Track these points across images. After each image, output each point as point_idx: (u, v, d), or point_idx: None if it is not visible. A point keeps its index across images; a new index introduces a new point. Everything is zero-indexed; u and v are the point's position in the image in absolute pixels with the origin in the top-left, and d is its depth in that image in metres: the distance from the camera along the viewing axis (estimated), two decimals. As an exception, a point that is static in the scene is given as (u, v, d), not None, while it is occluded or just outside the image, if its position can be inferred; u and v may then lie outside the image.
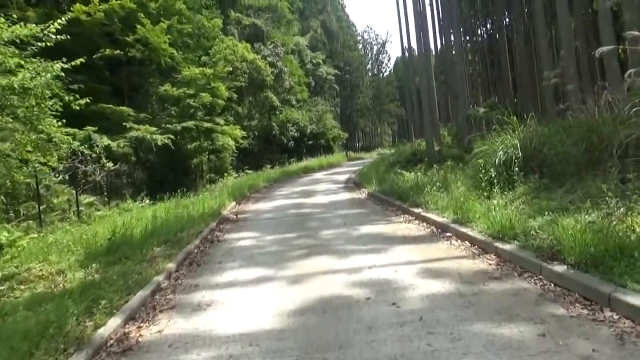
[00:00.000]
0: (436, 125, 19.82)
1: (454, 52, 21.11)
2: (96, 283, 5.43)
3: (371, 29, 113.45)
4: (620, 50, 8.82)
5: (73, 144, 8.04)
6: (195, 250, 7.54)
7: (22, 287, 5.81)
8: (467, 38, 31.91)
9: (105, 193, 15.13)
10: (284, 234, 8.46)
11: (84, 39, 17.56)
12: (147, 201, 15.57)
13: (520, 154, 7.79)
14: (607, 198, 5.26)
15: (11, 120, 6.19)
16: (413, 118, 34.01)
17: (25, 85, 5.63)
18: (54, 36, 6.43)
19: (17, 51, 6.30)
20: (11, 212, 11.43)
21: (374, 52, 76.68)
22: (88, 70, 18.22)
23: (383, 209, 10.70)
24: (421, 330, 3.51)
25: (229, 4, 34.04)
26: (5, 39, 6.05)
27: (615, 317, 3.40)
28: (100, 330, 3.97)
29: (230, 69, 25.49)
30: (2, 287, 5.71)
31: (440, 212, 8.11)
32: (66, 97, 7.00)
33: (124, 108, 17.37)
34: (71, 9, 16.23)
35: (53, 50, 7.44)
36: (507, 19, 29.24)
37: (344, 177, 23.04)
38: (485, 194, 7.89)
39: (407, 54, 28.68)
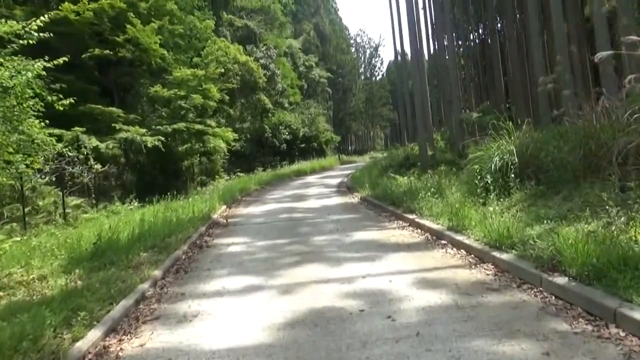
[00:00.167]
0: (429, 129, 19.74)
1: (447, 57, 21.06)
2: (78, 291, 5.19)
3: (364, 32, 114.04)
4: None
5: (57, 146, 7.73)
6: (183, 257, 7.31)
7: (1, 293, 5.56)
8: (460, 43, 31.95)
9: (93, 195, 14.81)
10: (275, 239, 8.26)
11: (72, 39, 17.27)
12: (136, 204, 15.29)
13: (516, 160, 7.67)
14: (607, 207, 5.13)
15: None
16: (406, 122, 33.97)
17: (4, 84, 5.39)
18: (36, 34, 6.18)
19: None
20: (-6, 214, 11.12)
21: (367, 55, 76.90)
22: (77, 70, 17.93)
23: (376, 215, 10.53)
24: (418, 347, 3.32)
25: (221, 6, 33.81)
26: (-17, 37, 5.81)
27: (622, 334, 3.24)
28: (78, 344, 3.73)
29: (222, 70, 25.27)
30: (-22, 295, 5.45)
31: (435, 218, 7.95)
32: (49, 97, 6.74)
33: (113, 109, 17.07)
34: (60, 7, 15.91)
35: (40, 49, 7.20)
36: (499, 25, 29.34)
37: (336, 181, 22.87)
38: (480, 200, 7.75)
39: (400, 58, 28.67)
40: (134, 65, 19.82)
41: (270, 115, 34.85)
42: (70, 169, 13.09)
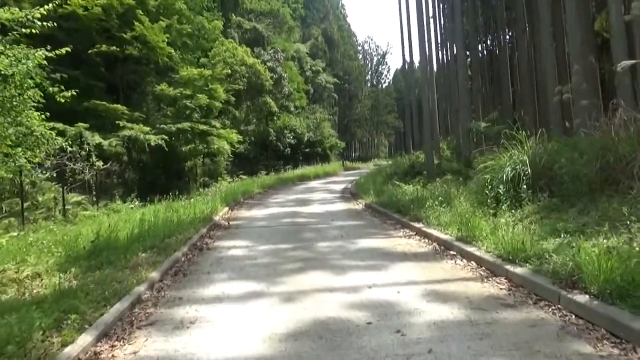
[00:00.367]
0: (436, 138, 19.53)
1: (457, 66, 20.86)
2: (72, 291, 4.97)
3: (372, 39, 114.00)
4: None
5: (57, 140, 7.54)
6: (183, 259, 7.09)
7: (-8, 291, 5.34)
8: (467, 53, 31.84)
9: (94, 192, 14.63)
10: (277, 244, 8.03)
11: (80, 34, 17.20)
12: (137, 202, 15.10)
13: (529, 170, 7.44)
14: (627, 222, 4.90)
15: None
16: (411, 130, 33.77)
17: (3, 72, 5.19)
18: (39, 22, 6.00)
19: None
20: (-8, 208, 10.93)
21: (374, 63, 76.91)
22: (83, 65, 17.84)
23: (381, 222, 10.29)
24: (431, 366, 3.09)
25: (230, 7, 33.78)
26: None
27: (652, 360, 3.00)
28: (68, 349, 3.50)
29: (229, 71, 25.14)
30: (-32, 292, 5.23)
31: (443, 228, 7.71)
32: (50, 89, 6.54)
33: (118, 106, 16.92)
34: (68, 2, 15.82)
35: (47, 43, 7.04)
36: (508, 35, 29.20)
37: (340, 187, 22.65)
38: (490, 211, 7.50)
39: (407, 66, 28.46)
40: (140, 63, 19.71)
41: (275, 118, 34.70)
42: (72, 165, 12.92)
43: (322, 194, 19.11)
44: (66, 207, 12.77)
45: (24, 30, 5.94)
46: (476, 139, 18.63)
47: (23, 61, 5.50)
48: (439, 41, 30.24)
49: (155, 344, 3.75)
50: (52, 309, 4.26)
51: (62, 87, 6.92)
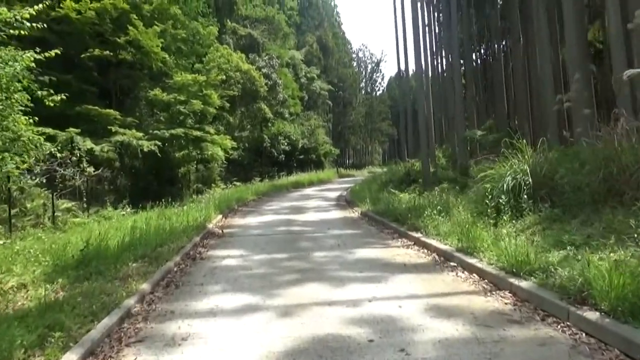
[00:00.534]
0: (431, 146, 19.44)
1: (452, 74, 20.84)
2: (58, 304, 4.75)
3: (366, 47, 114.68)
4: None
5: (45, 145, 7.29)
6: (175, 269, 6.86)
7: (-28, 305, 5.09)
8: (462, 62, 31.96)
9: (85, 199, 14.33)
10: (273, 253, 7.82)
11: (73, 38, 16.96)
12: (129, 209, 14.82)
13: (530, 180, 7.31)
14: (635, 234, 4.76)
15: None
16: (406, 138, 33.78)
17: (-13, 74, 4.99)
18: (27, 23, 5.79)
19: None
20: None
21: (368, 70, 77.08)
22: (76, 70, 17.58)
23: (378, 231, 10.12)
24: (440, 390, 2.90)
25: (225, 13, 33.68)
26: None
27: (673, 384, 2.84)
28: (51, 369, 3.29)
29: (224, 77, 24.97)
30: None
31: (442, 238, 7.56)
32: (39, 92, 6.32)
33: (111, 111, 16.66)
34: (61, 5, 15.60)
35: (39, 46, 6.83)
36: (503, 44, 29.34)
37: (335, 194, 22.48)
38: (491, 221, 7.35)
39: (403, 74, 28.49)
40: (134, 68, 19.48)
41: (270, 124, 34.53)
42: (62, 171, 12.64)
43: (317, 202, 18.93)
44: (56, 214, 12.47)
45: (12, 31, 5.72)
46: (470, 148, 18.58)
47: (10, 63, 5.29)
48: (434, 49, 30.32)
49: (145, 363, 3.54)
50: (36, 324, 4.05)
51: (52, 91, 6.70)
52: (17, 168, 7.21)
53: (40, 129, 11.05)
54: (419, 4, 20.01)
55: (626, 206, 5.76)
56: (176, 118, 19.91)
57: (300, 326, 4.17)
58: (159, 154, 17.49)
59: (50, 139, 14.57)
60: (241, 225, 12.06)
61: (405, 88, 29.19)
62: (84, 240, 7.34)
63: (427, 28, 28.52)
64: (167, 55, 19.45)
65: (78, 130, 15.08)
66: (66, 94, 7.13)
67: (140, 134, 17.11)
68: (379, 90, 77.88)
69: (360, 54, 77.07)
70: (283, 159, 35.75)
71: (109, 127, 16.40)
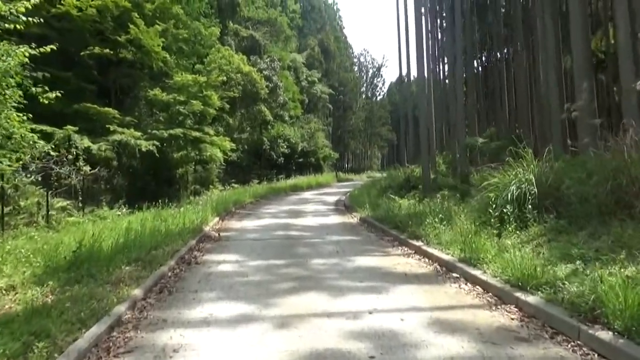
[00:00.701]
0: (432, 152, 19.28)
1: (454, 81, 20.74)
2: (46, 308, 4.56)
3: (368, 52, 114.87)
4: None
5: (38, 143, 7.10)
6: (169, 274, 6.66)
7: (-44, 308, 4.89)
8: (464, 68, 31.92)
9: (80, 198, 14.11)
10: (269, 259, 7.63)
11: (74, 35, 16.78)
12: (125, 210, 14.62)
13: (535, 190, 7.14)
14: (647, 250, 4.59)
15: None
16: (406, 143, 33.67)
17: (-22, 69, 4.80)
18: (23, 17, 5.61)
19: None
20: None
21: (369, 75, 77.10)
22: (76, 67, 17.40)
23: (378, 238, 9.93)
24: (446, 415, 2.72)
25: (228, 15, 33.57)
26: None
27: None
28: (32, 382, 3.09)
29: (225, 78, 24.80)
30: None
31: (444, 247, 7.38)
32: (33, 89, 6.13)
33: (109, 109, 16.46)
34: (62, 2, 15.44)
35: (39, 43, 6.65)
36: (505, 51, 29.28)
37: (333, 199, 22.30)
38: (494, 231, 7.18)
39: (404, 80, 28.38)
40: (134, 67, 19.29)
41: (269, 127, 34.36)
42: (58, 169, 12.44)
43: (315, 206, 18.74)
44: (50, 212, 12.25)
45: (7, 25, 5.54)
46: (470, 155, 18.42)
47: (4, 58, 5.11)
48: (436, 54, 30.25)
49: (133, 376, 3.35)
50: (21, 331, 3.86)
51: (47, 88, 6.51)
52: (10, 166, 7.00)
53: (35, 126, 10.87)
54: (422, 10, 19.92)
55: (636, 219, 5.60)
56: (175, 118, 19.72)
57: (298, 339, 3.98)
58: (157, 154, 17.30)
59: (48, 136, 14.39)
60: (238, 229, 11.86)
61: (406, 93, 29.10)
62: (77, 241, 7.16)
63: (429, 34, 28.45)
64: (167, 55, 19.27)
65: (76, 129, 14.89)
66: (61, 92, 6.95)
67: (139, 134, 16.92)
68: (379, 95, 78.01)
69: (362, 59, 77.24)
70: (282, 161, 35.57)
71: (107, 126, 16.21)
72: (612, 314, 3.68)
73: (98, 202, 15.29)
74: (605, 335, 3.58)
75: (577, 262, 5.03)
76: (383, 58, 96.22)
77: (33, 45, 6.43)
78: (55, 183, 12.83)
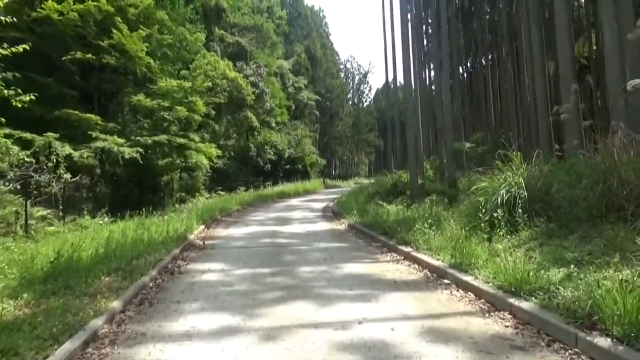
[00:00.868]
0: (420, 158, 19.24)
1: (441, 87, 20.78)
2: (17, 323, 4.29)
3: (354, 58, 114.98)
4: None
5: (13, 149, 6.82)
6: (151, 284, 6.40)
7: None
8: (450, 74, 32.13)
9: (61, 207, 13.72)
10: (256, 268, 7.41)
11: (55, 40, 16.45)
12: (108, 218, 14.25)
13: (525, 193, 7.05)
14: (640, 253, 4.50)
15: None
16: (393, 149, 33.67)
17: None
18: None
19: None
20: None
21: (356, 81, 77.23)
22: (57, 73, 17.03)
23: (366, 244, 9.77)
24: None
25: (213, 21, 33.36)
26: None
27: None
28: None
29: (210, 84, 24.55)
30: None
31: (434, 253, 7.24)
32: (5, 91, 5.87)
33: (91, 116, 16.11)
34: (43, 6, 15.11)
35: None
36: (490, 57, 29.56)
37: (321, 205, 22.12)
38: (484, 235, 7.06)
39: (391, 86, 28.42)
40: (118, 73, 18.96)
41: (256, 133, 34.13)
42: (37, 177, 12.07)
43: (303, 213, 18.54)
44: (29, 222, 11.87)
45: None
46: (458, 159, 18.40)
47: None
48: (422, 59, 30.37)
49: (107, 396, 3.12)
50: (-12, 349, 3.60)
51: (19, 90, 6.25)
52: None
53: (12, 132, 10.53)
54: (408, 16, 19.95)
55: (628, 222, 5.51)
56: (160, 125, 19.41)
57: (284, 352, 3.78)
58: (141, 161, 16.97)
59: (28, 143, 14.02)
60: (224, 237, 11.61)
61: (392, 99, 29.13)
62: (55, 251, 6.87)
63: (415, 40, 28.56)
64: (152, 60, 18.98)
65: (57, 135, 14.54)
66: (36, 95, 6.67)
67: (122, 140, 16.58)
68: (366, 101, 78.22)
69: (348, 65, 77.36)
70: (269, 168, 35.32)
71: (89, 133, 15.85)
72: (610, 319, 3.55)
73: (80, 210, 14.89)
74: (604, 342, 3.45)
75: (571, 266, 4.92)
76: (369, 64, 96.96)
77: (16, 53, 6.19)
78: (35, 191, 12.45)
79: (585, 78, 19.84)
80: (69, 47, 16.38)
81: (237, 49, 34.57)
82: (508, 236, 6.78)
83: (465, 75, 34.78)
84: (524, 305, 4.49)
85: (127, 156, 16.18)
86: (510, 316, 4.53)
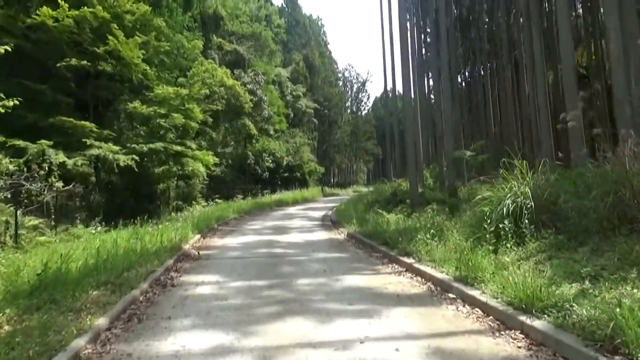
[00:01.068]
0: (420, 166, 19.02)
1: (441, 95, 20.62)
2: (-5, 343, 4.00)
3: (352, 67, 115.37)
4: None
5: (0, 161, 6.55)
6: (141, 298, 6.10)
7: None
8: (449, 82, 32.05)
9: (53, 216, 13.40)
10: (251, 280, 7.11)
11: (50, 47, 16.26)
12: (101, 227, 13.93)
13: (532, 204, 6.79)
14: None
15: None
16: (392, 157, 33.45)
17: None
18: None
19: None
20: None
21: (354, 90, 77.30)
22: (52, 79, 16.81)
23: (367, 255, 9.48)
24: None
25: (211, 28, 33.27)
26: None
27: None
28: None
29: (208, 91, 24.36)
30: None
31: (437, 265, 6.97)
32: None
33: (86, 123, 15.85)
34: (38, 12, 14.92)
35: (14, 56, 6.17)
36: (489, 66, 29.49)
37: (319, 214, 21.83)
38: (490, 247, 6.79)
39: (389, 94, 28.29)
40: (114, 80, 18.76)
41: (254, 141, 33.90)
42: (29, 186, 11.77)
43: (301, 221, 18.24)
44: (20, 231, 11.56)
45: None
46: (459, 168, 18.18)
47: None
48: (421, 69, 30.28)
49: None
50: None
51: (2, 95, 5.99)
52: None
53: (6, 140, 10.24)
54: (407, 24, 19.84)
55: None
56: (156, 132, 19.16)
57: (281, 376, 3.50)
58: (136, 169, 16.70)
59: (21, 151, 13.75)
60: (219, 247, 11.30)
61: (391, 108, 28.98)
62: (43, 262, 6.58)
63: (414, 49, 28.48)
64: (148, 68, 18.77)
65: (51, 143, 14.27)
66: (19, 99, 6.41)
67: (117, 148, 16.32)
68: (364, 109, 78.25)
69: (347, 74, 77.47)
70: (267, 176, 35.05)
71: (83, 140, 15.58)
72: (635, 343, 3.28)
73: (73, 219, 14.57)
74: (628, 368, 3.18)
75: (585, 281, 4.66)
76: (368, 73, 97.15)
77: (7, 55, 5.95)
78: (26, 200, 12.15)
79: (584, 88, 19.73)
80: (64, 54, 16.18)
81: (235, 57, 34.46)
82: (515, 248, 6.52)
83: (463, 83, 34.73)
84: (537, 324, 4.21)
85: (122, 164, 15.90)
86: (522, 336, 4.25)
